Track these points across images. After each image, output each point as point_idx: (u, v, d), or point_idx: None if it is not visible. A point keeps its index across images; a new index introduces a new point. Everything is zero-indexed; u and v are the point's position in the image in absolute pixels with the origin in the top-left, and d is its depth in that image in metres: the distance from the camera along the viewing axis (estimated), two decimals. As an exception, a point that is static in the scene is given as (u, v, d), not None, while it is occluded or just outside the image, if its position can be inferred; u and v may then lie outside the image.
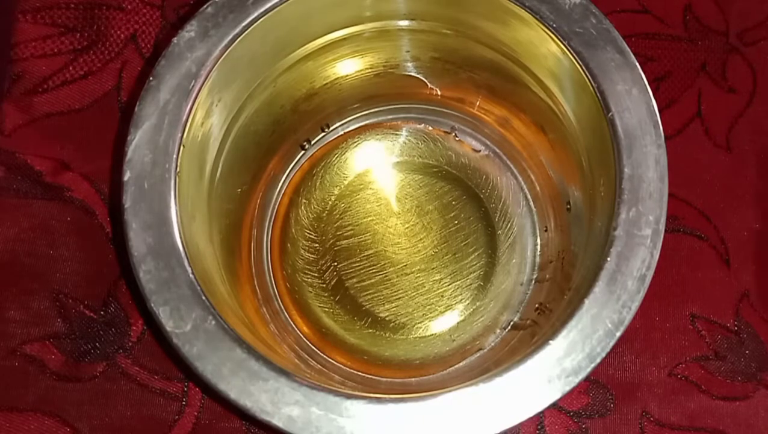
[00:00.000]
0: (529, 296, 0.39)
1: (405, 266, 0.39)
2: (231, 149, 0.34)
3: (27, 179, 0.38)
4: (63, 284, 0.37)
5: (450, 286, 0.39)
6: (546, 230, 0.39)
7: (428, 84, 0.39)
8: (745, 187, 0.39)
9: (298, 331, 0.38)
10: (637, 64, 0.31)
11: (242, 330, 0.29)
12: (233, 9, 0.31)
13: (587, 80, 0.31)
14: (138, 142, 0.30)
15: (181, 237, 0.29)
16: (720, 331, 0.37)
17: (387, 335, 0.38)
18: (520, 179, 0.40)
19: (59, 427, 0.35)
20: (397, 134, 0.41)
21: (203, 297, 0.28)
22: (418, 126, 0.41)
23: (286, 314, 0.38)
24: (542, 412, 0.29)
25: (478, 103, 0.39)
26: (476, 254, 0.39)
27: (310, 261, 0.39)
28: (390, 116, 0.41)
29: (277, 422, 0.27)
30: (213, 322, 0.28)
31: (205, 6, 0.31)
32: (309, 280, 0.39)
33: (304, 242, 0.39)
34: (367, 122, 0.41)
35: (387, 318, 0.38)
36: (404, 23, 0.35)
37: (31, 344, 0.36)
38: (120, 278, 0.37)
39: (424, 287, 0.39)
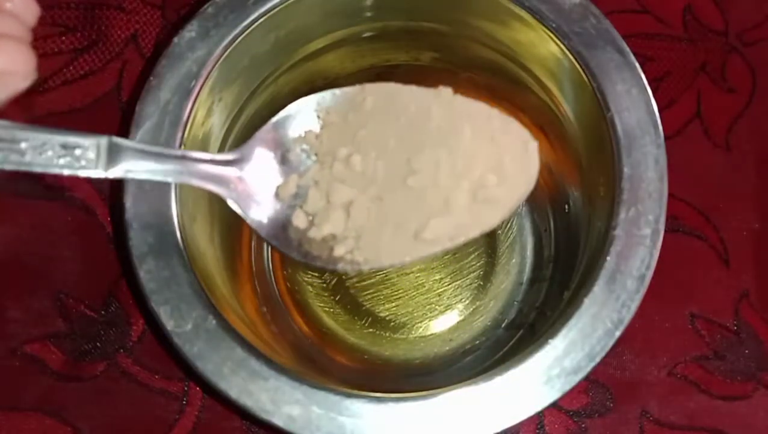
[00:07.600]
0: (528, 296, 0.39)
1: (405, 265, 0.39)
2: (232, 149, 0.34)
3: (27, 179, 0.38)
4: (63, 283, 0.37)
5: (450, 286, 0.39)
6: (546, 230, 0.39)
7: (428, 84, 0.39)
8: (745, 187, 0.39)
9: (298, 330, 0.38)
10: (637, 64, 0.31)
11: (243, 330, 0.29)
12: (234, 9, 0.31)
13: (587, 80, 0.31)
14: (139, 141, 0.30)
15: (181, 237, 0.29)
16: (719, 331, 0.37)
17: (387, 334, 0.38)
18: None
19: (60, 427, 0.35)
20: (397, 134, 0.40)
21: (204, 297, 0.28)
22: (418, 126, 0.41)
23: (286, 313, 0.39)
24: (542, 411, 0.29)
25: (478, 103, 0.39)
26: (476, 254, 0.39)
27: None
28: (390, 116, 0.41)
29: (278, 421, 0.27)
30: (213, 321, 0.28)
31: (205, 6, 0.31)
32: (309, 280, 0.39)
33: (305, 241, 0.39)
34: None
35: (387, 318, 0.38)
36: (404, 23, 0.35)
37: (32, 343, 0.36)
38: (120, 277, 0.37)
39: (424, 286, 0.39)
